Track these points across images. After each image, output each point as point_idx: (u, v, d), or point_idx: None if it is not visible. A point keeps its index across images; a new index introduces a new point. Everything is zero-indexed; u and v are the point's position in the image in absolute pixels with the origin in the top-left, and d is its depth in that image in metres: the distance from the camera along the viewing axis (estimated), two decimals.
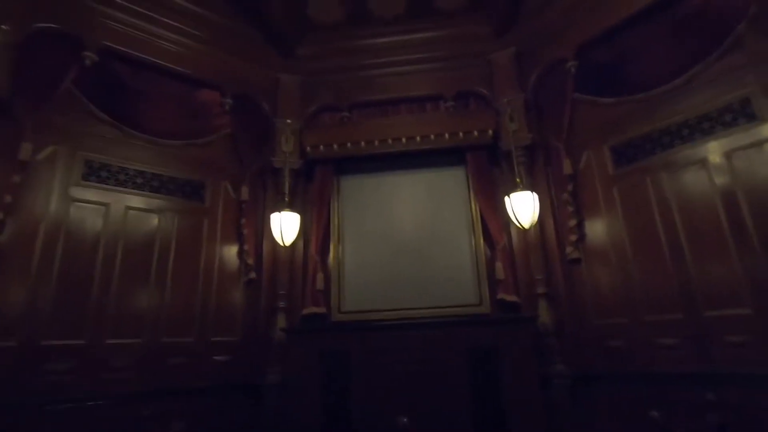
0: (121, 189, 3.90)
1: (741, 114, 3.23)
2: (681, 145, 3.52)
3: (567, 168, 4.13)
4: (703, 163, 3.37)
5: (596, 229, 3.96)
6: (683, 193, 3.46)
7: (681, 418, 2.68)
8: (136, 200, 3.95)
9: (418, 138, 4.57)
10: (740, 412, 2.85)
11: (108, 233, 3.73)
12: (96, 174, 3.81)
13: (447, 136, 4.54)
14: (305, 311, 4.32)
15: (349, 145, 4.66)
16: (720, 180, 3.26)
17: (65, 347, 3.34)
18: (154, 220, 4.01)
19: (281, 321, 4.23)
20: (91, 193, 3.74)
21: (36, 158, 3.53)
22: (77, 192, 3.68)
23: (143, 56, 4.07)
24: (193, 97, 4.57)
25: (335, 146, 4.67)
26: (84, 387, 3.34)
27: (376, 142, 4.62)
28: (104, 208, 3.77)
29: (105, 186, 3.82)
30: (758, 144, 3.11)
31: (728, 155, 3.24)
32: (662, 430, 2.42)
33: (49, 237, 3.45)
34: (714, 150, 3.32)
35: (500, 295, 4.13)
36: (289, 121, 4.68)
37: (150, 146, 4.12)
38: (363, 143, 4.64)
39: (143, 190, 4.01)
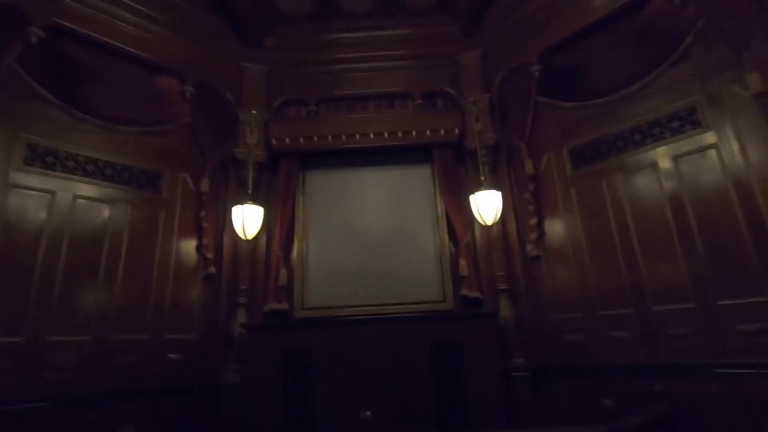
0: (70, 176, 3.64)
1: (687, 121, 3.46)
2: (633, 149, 3.72)
3: (529, 168, 4.27)
4: (653, 167, 3.58)
5: (555, 227, 4.11)
6: (635, 195, 3.66)
7: (631, 406, 2.82)
8: (85, 188, 3.70)
9: (385, 134, 4.58)
10: (685, 400, 3.04)
11: (53, 223, 3.47)
12: (41, 159, 3.53)
13: (414, 133, 4.57)
14: (267, 308, 4.21)
15: (315, 139, 4.59)
16: (668, 184, 3.47)
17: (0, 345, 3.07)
18: (105, 211, 3.77)
19: (242, 317, 4.10)
20: (35, 180, 3.46)
21: None
22: (18, 178, 3.39)
23: (98, 37, 3.83)
24: (152, 83, 4.34)
25: (302, 140, 4.59)
26: (23, 388, 3.08)
27: (344, 137, 4.59)
28: (49, 196, 3.50)
29: (51, 173, 3.55)
30: (702, 150, 3.34)
31: (676, 160, 3.47)
32: (613, 417, 2.53)
33: None
34: (663, 155, 3.54)
35: (463, 292, 4.20)
36: (254, 112, 4.55)
37: (103, 132, 3.87)
38: (330, 138, 4.59)
39: (94, 178, 3.77)
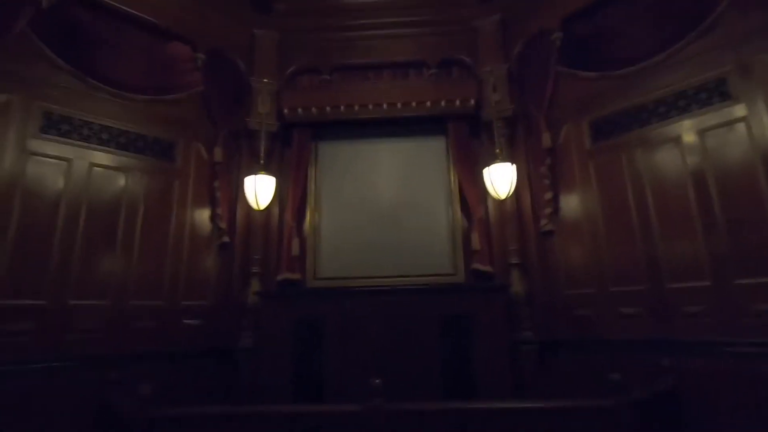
0: (85, 144, 3.67)
1: (716, 93, 3.30)
2: (657, 123, 3.58)
3: (546, 141, 4.15)
4: (676, 141, 3.45)
5: (571, 202, 4.04)
6: (656, 171, 3.54)
7: (639, 381, 2.84)
8: (101, 157, 3.73)
9: (399, 105, 4.48)
10: (692, 376, 3.04)
11: (71, 190, 3.53)
12: (56, 127, 3.56)
13: (429, 104, 4.47)
14: (280, 277, 4.28)
15: (328, 109, 4.52)
16: (691, 159, 3.35)
17: (24, 307, 3.18)
18: (121, 179, 3.82)
19: (255, 286, 4.18)
20: (51, 147, 3.50)
21: None
22: (35, 145, 3.43)
23: (110, 2, 3.78)
24: (164, 50, 4.29)
25: (314, 110, 4.53)
26: (46, 348, 3.22)
27: (357, 107, 4.51)
28: (66, 164, 3.54)
29: (66, 140, 3.58)
30: (730, 123, 3.20)
31: (701, 134, 3.33)
32: (619, 391, 2.54)
33: (4, 191, 3.23)
34: (688, 128, 3.40)
35: (475, 265, 4.20)
36: (266, 80, 4.48)
37: (116, 100, 3.87)
38: (343, 108, 4.51)
39: (109, 147, 3.79)
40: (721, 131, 3.24)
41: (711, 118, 3.29)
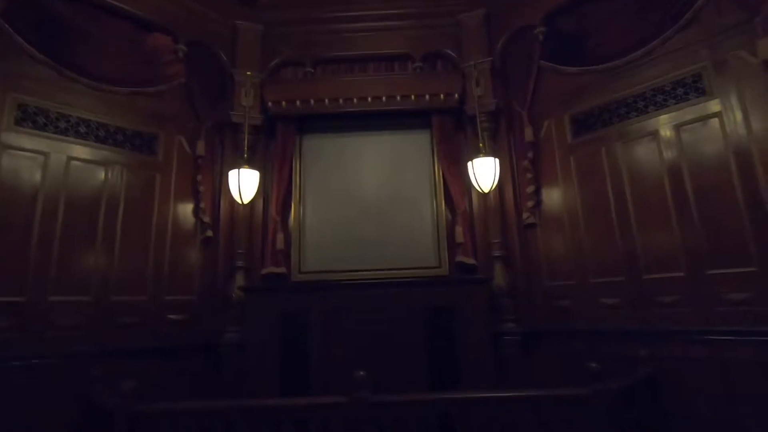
0: (62, 137, 3.59)
1: (692, 88, 3.39)
2: (636, 117, 3.67)
3: (528, 135, 4.21)
4: (654, 135, 3.54)
5: (553, 196, 4.11)
6: (634, 164, 3.63)
7: (618, 370, 2.93)
8: (79, 150, 3.66)
9: (384, 98, 4.47)
10: (670, 364, 3.16)
11: (48, 184, 3.45)
12: (31, 119, 3.47)
13: (413, 98, 4.47)
14: (264, 271, 4.27)
15: (312, 102, 4.50)
16: (668, 153, 3.44)
17: (2, 304, 3.13)
18: (101, 173, 3.74)
19: (240, 280, 4.16)
20: (27, 141, 3.41)
21: None
22: (10, 138, 3.34)
23: None
24: (144, 41, 4.19)
25: (298, 103, 4.50)
26: (27, 345, 3.17)
27: (341, 101, 4.49)
28: (42, 157, 3.46)
29: (43, 133, 3.49)
30: (705, 118, 3.29)
31: (677, 129, 3.42)
32: (598, 379, 2.62)
33: None
34: (665, 123, 3.49)
35: (459, 258, 4.25)
36: (249, 73, 4.43)
37: (94, 92, 3.77)
38: (327, 101, 4.49)
39: (87, 140, 3.71)
40: (696, 126, 3.33)
41: (687, 113, 3.38)
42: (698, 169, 3.29)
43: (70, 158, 3.60)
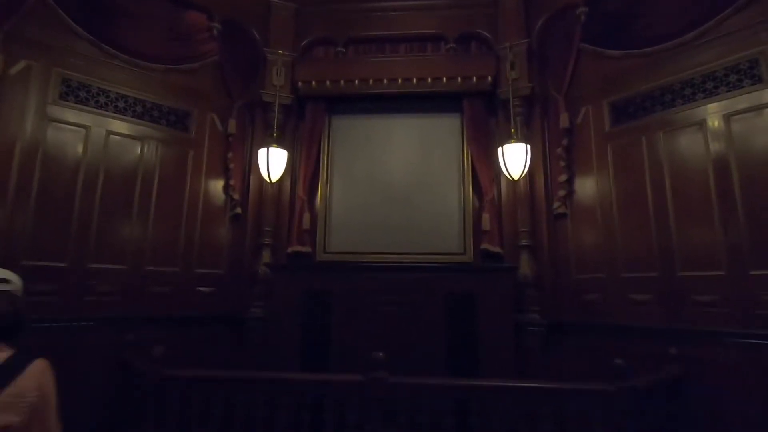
0: (102, 112, 3.72)
1: (747, 75, 3.15)
2: (681, 105, 3.45)
3: (564, 122, 4.05)
4: (700, 125, 3.33)
5: (586, 185, 3.96)
6: (676, 156, 3.43)
7: (645, 368, 2.84)
8: (117, 125, 3.79)
9: (414, 80, 4.39)
10: (697, 365, 3.02)
11: (89, 157, 3.60)
12: (74, 94, 3.61)
13: (445, 80, 4.37)
14: (290, 249, 4.35)
15: (342, 83, 4.47)
16: (715, 145, 3.23)
17: (46, 269, 3.32)
18: (137, 148, 3.88)
19: (266, 257, 4.26)
20: (70, 114, 3.56)
21: (8, 72, 3.31)
22: (55, 112, 3.50)
23: None
24: (179, 19, 4.27)
25: (328, 83, 4.48)
26: (69, 309, 3.37)
27: (371, 82, 4.44)
28: (84, 131, 3.61)
29: (85, 107, 3.64)
30: (759, 108, 3.06)
31: (727, 119, 3.19)
32: (623, 376, 2.55)
33: (26, 156, 3.32)
34: (714, 112, 3.27)
35: (484, 246, 4.18)
36: (281, 52, 4.44)
37: (132, 69, 3.89)
38: (357, 82, 4.45)
39: (125, 115, 3.84)
40: (748, 116, 3.11)
41: (739, 101, 3.15)
42: (747, 162, 3.07)
43: (109, 132, 3.74)
